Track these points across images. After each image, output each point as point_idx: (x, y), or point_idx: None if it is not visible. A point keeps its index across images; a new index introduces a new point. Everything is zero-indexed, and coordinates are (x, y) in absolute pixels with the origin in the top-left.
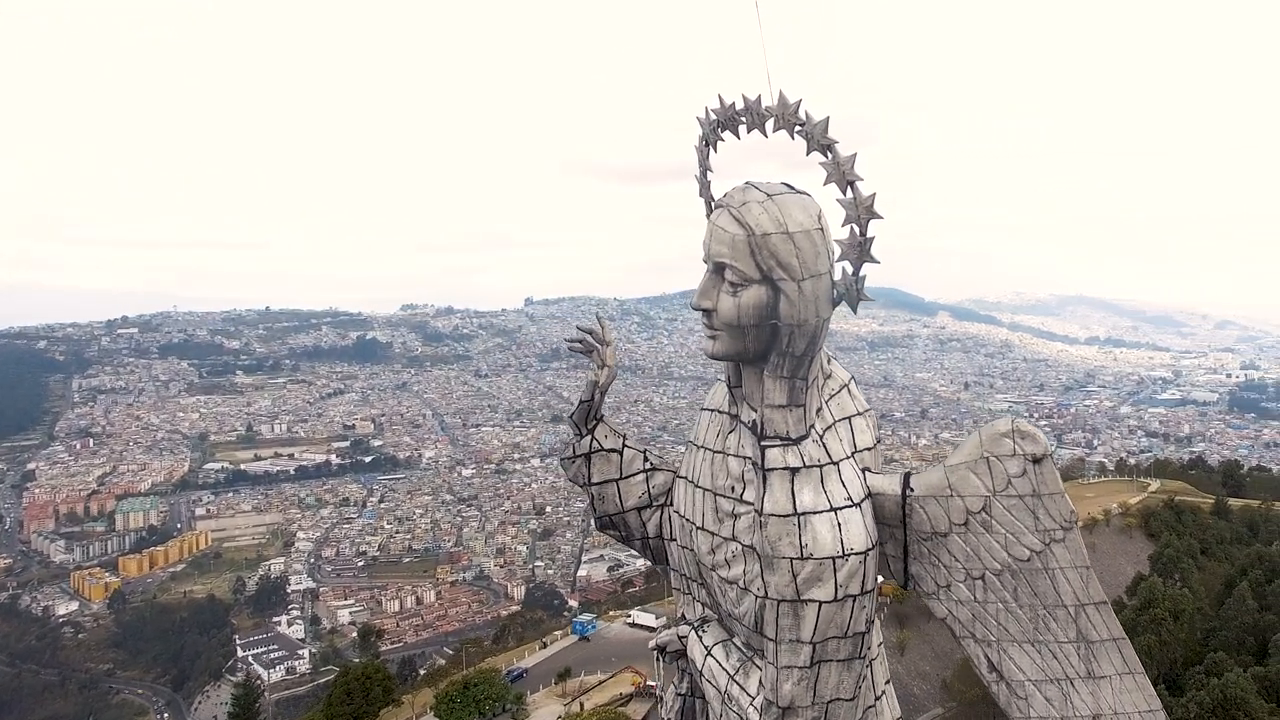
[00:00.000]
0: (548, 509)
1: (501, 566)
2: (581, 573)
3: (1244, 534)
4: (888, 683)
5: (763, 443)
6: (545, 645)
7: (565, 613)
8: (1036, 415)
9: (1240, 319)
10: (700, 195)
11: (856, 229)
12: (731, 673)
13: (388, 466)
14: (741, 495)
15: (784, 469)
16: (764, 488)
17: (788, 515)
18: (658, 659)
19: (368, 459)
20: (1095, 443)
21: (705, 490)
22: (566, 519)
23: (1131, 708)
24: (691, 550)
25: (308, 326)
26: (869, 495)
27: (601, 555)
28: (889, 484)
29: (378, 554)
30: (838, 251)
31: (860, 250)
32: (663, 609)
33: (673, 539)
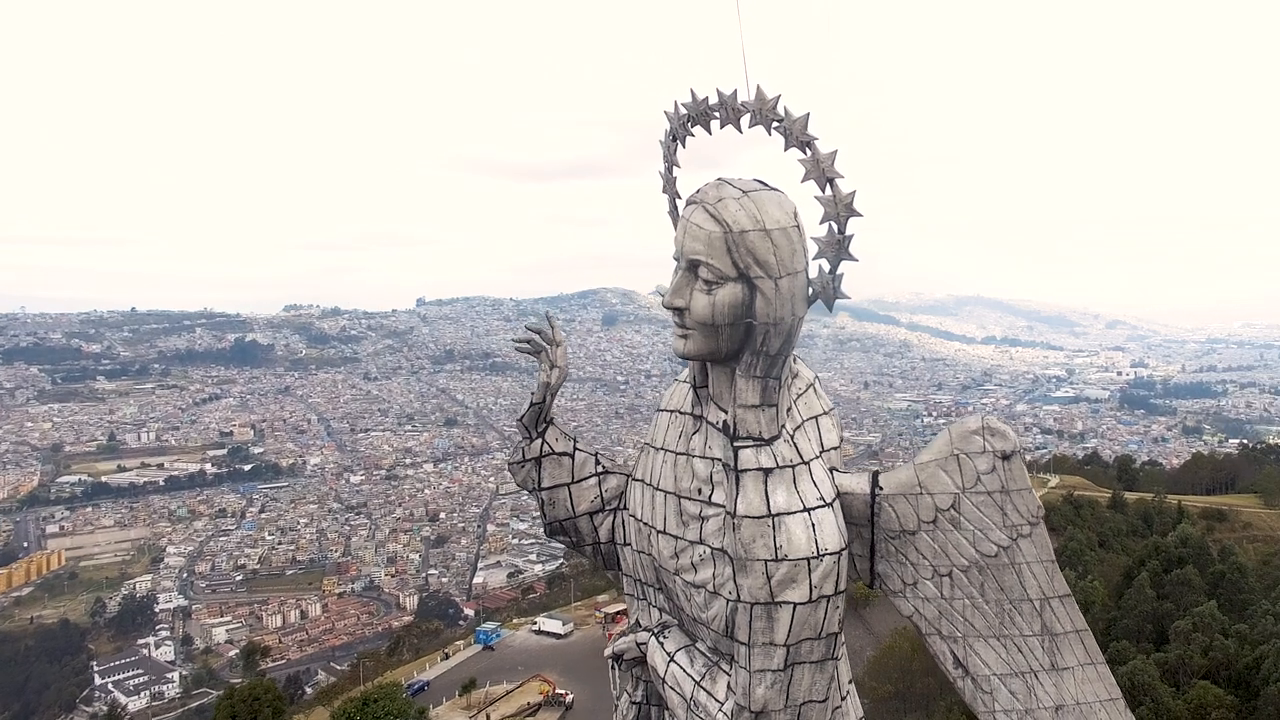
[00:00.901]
0: (441, 515)
1: (393, 576)
2: (478, 580)
3: (1139, 526)
4: (851, 682)
5: (735, 443)
6: (447, 656)
7: (461, 622)
8: (935, 414)
9: (1130, 319)
10: (664, 191)
11: (835, 226)
12: (697, 678)
13: (269, 475)
14: (710, 497)
15: (757, 470)
16: (737, 489)
17: (762, 517)
18: (612, 667)
19: (247, 467)
20: None
21: (667, 493)
22: (461, 525)
23: (1093, 697)
24: (649, 555)
25: (180, 329)
26: (838, 495)
27: (499, 562)
28: (857, 483)
29: (258, 567)
30: (814, 249)
31: (839, 248)
32: (569, 615)
33: (626, 544)
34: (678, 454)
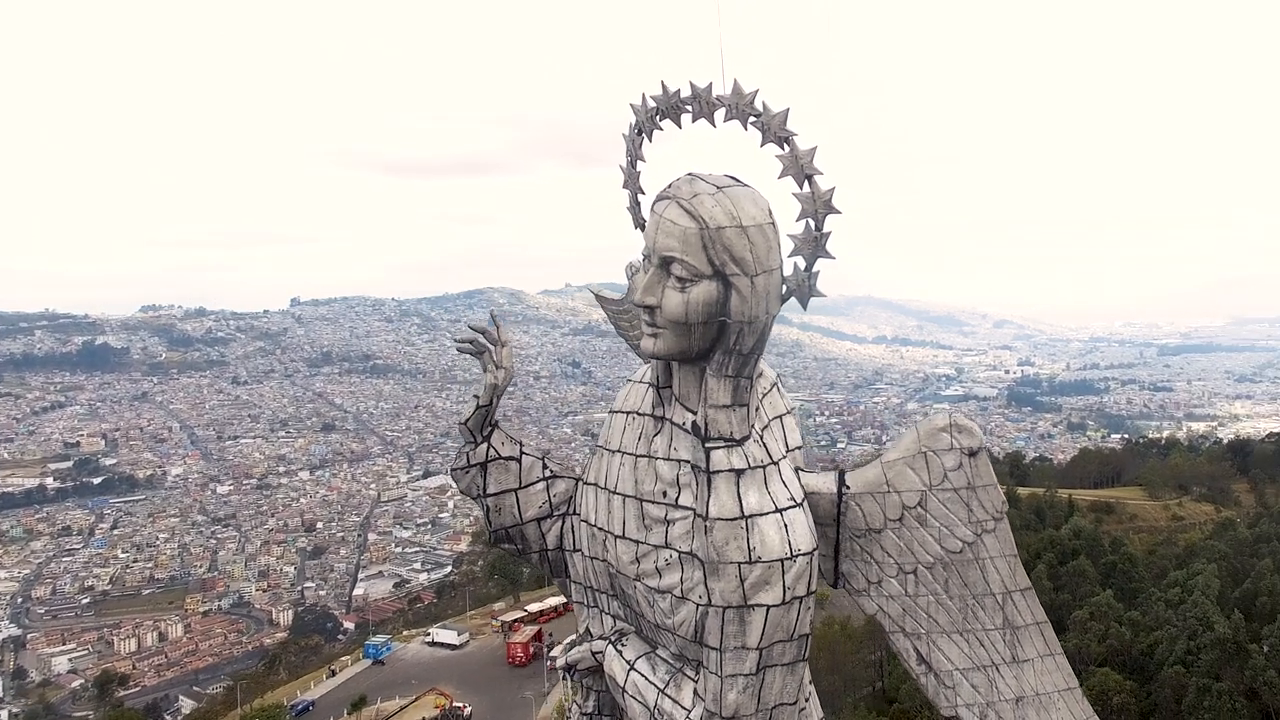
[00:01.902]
0: (319, 525)
1: (265, 591)
2: (359, 591)
3: (1033, 520)
4: (810, 683)
5: (707, 444)
6: (334, 673)
7: (340, 636)
8: (827, 412)
9: (1016, 318)
10: (625, 186)
11: (812, 223)
12: (661, 686)
13: (123, 488)
14: (677, 500)
15: (729, 471)
16: (709, 491)
17: (735, 519)
18: (564, 677)
19: (96, 480)
20: (884, 438)
21: (626, 497)
22: (340, 535)
23: (1051, 687)
24: (604, 561)
25: (16, 331)
26: (805, 495)
27: (381, 572)
28: (823, 482)
29: (109, 588)
30: (789, 246)
31: (816, 245)
32: (465, 625)
33: (576, 550)
34: (638, 456)
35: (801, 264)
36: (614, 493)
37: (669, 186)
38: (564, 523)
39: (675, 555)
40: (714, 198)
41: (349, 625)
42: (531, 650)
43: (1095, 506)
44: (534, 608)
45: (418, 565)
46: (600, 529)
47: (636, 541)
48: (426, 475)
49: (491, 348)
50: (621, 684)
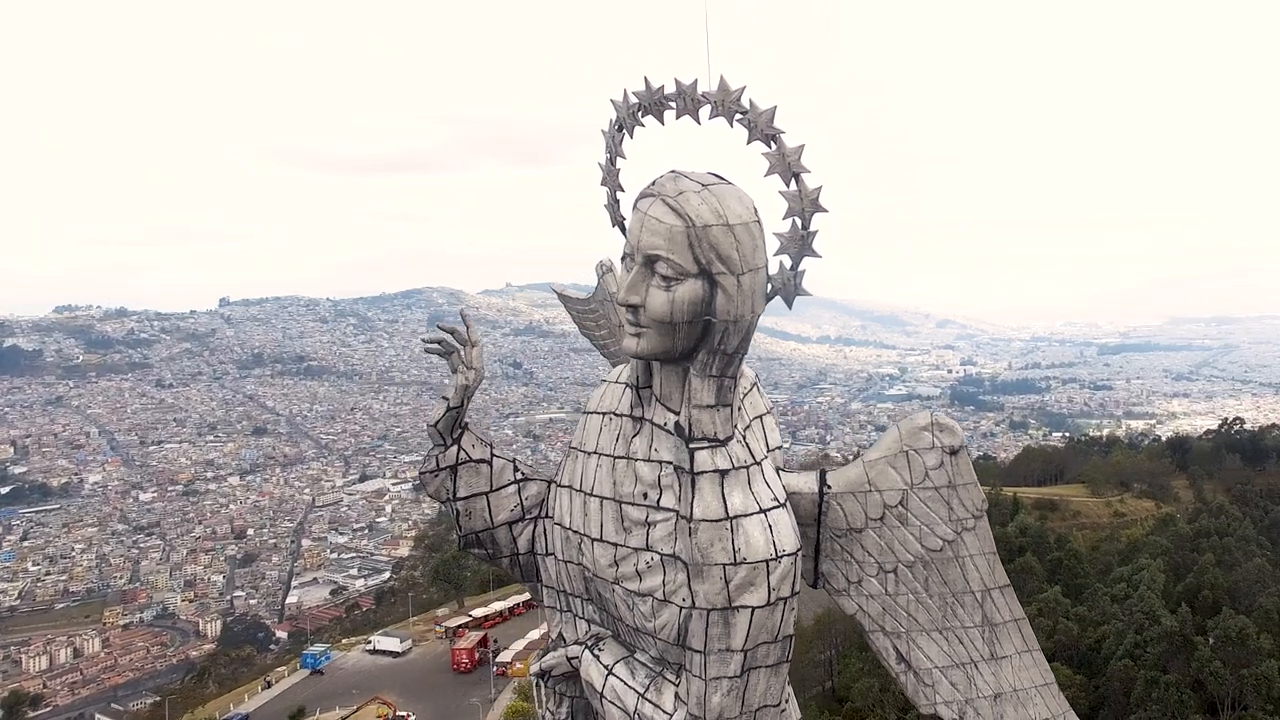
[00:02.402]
0: (249, 532)
1: (191, 601)
2: (292, 599)
3: None
4: (788, 684)
5: (691, 445)
6: (270, 684)
7: (273, 646)
8: (776, 412)
9: (959, 318)
10: (603, 184)
11: (799, 222)
12: (641, 690)
13: (34, 497)
14: (659, 502)
15: (714, 471)
16: (693, 493)
17: (720, 520)
18: (537, 684)
19: (4, 489)
20: (829, 438)
21: (604, 499)
22: (272, 541)
23: (1029, 683)
24: (579, 565)
25: None
26: (787, 495)
27: (316, 579)
28: (804, 482)
29: (18, 603)
30: (775, 245)
31: (802, 244)
32: (407, 631)
33: (549, 554)
34: (616, 458)
35: (787, 262)
36: (590, 495)
37: (652, 184)
38: (536, 526)
39: (657, 558)
40: (700, 195)
41: (282, 634)
42: (477, 656)
43: (1040, 504)
44: (479, 613)
45: (354, 571)
46: (576, 532)
47: (615, 544)
48: (363, 479)
49: (461, 348)
50: (599, 689)
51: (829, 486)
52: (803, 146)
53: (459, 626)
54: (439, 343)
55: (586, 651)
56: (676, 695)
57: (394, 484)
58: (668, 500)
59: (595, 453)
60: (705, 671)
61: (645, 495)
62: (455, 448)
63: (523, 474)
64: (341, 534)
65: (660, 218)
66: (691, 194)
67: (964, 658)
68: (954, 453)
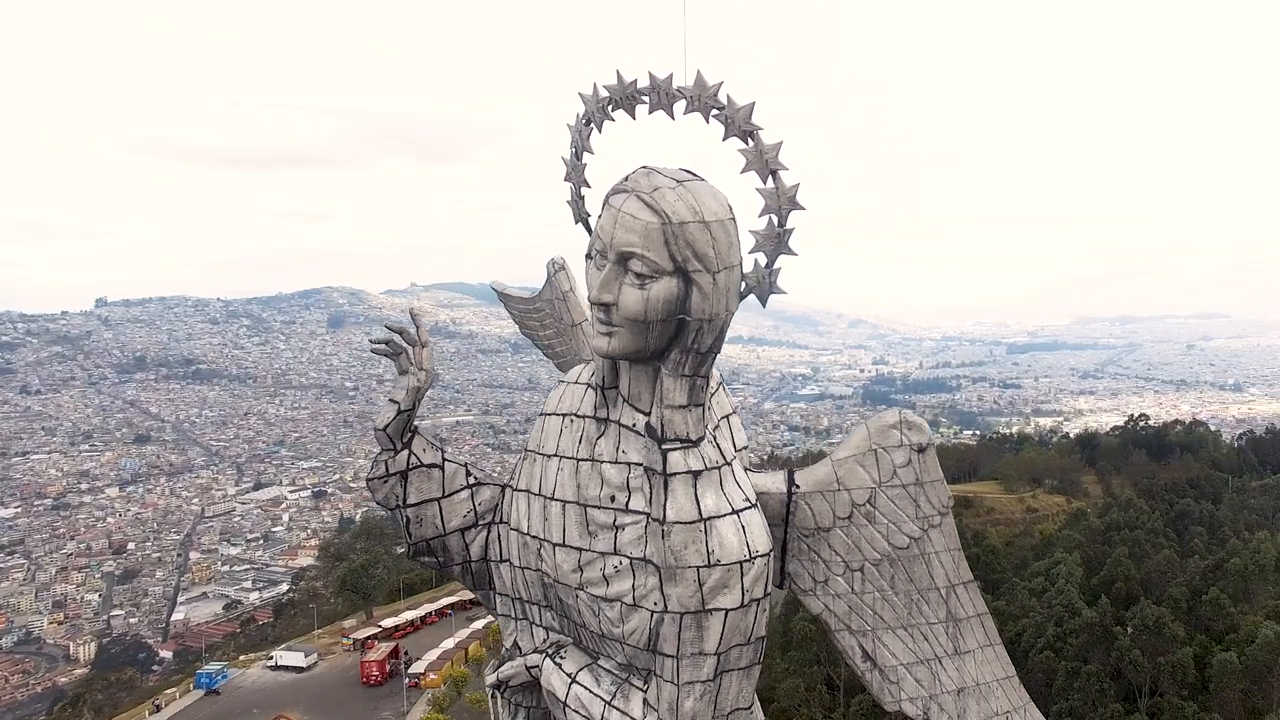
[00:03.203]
0: (130, 546)
1: (60, 623)
2: (178, 616)
3: None
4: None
5: (664, 446)
6: (159, 708)
7: (156, 667)
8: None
9: (871, 318)
10: (566, 179)
11: (775, 220)
12: (607, 698)
13: None
14: (627, 505)
15: (687, 473)
16: (665, 494)
17: (694, 522)
18: (493, 696)
19: None
20: None
21: (567, 503)
22: (156, 555)
23: (991, 676)
24: (538, 571)
25: None
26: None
27: (206, 594)
28: (773, 482)
29: None
30: (748, 242)
31: (778, 242)
32: (312, 645)
33: (504, 560)
34: (579, 460)
35: (762, 260)
36: (551, 499)
37: (625, 179)
38: (489, 532)
39: (625, 562)
40: (675, 192)
41: (166, 654)
42: (388, 668)
43: (954, 501)
44: (389, 623)
45: (248, 584)
46: (534, 537)
47: (579, 549)
48: (258, 487)
49: (410, 348)
50: (563, 699)
51: (797, 486)
52: (780, 143)
53: (368, 638)
54: (386, 343)
55: (547, 660)
56: (645, 701)
57: (292, 491)
58: (637, 503)
59: (556, 455)
60: (678, 676)
61: (613, 498)
62: (406, 452)
63: (476, 478)
64: (234, 545)
65: (635, 214)
66: (667, 190)
67: (928, 654)
68: (921, 450)
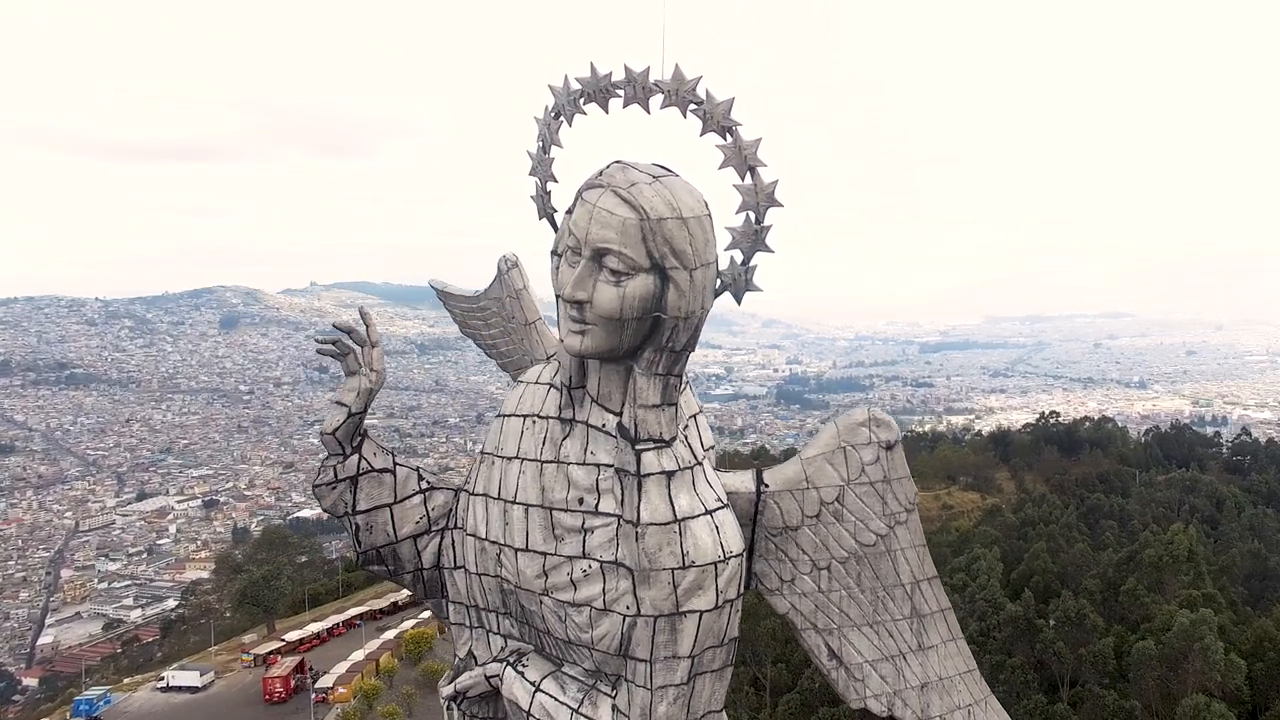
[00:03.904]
0: None
1: None
2: (46, 639)
3: None
4: None
5: (638, 446)
6: None
7: (18, 695)
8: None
9: (785, 318)
10: (532, 174)
11: (753, 216)
12: (574, 706)
13: None
14: (596, 507)
15: (660, 473)
16: (639, 496)
17: (668, 523)
18: (448, 708)
19: None
20: None
21: (531, 506)
22: (21, 574)
23: (954, 670)
24: (496, 577)
25: None
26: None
27: (80, 613)
28: (741, 481)
29: None
30: (725, 239)
31: (755, 239)
32: (208, 663)
33: (459, 567)
34: (544, 463)
35: (739, 258)
36: (513, 503)
37: (599, 175)
38: (443, 538)
39: (595, 565)
40: (652, 187)
41: (30, 682)
42: (293, 684)
43: None
44: (293, 636)
45: (129, 601)
46: (494, 542)
47: (543, 553)
48: (141, 498)
49: (358, 349)
50: (526, 708)
51: (766, 485)
52: (760, 139)
53: (270, 653)
54: (334, 343)
55: (508, 668)
56: (615, 708)
57: (179, 501)
58: (607, 505)
59: (517, 458)
60: (651, 681)
61: (581, 500)
62: (356, 456)
63: (428, 483)
64: (113, 560)
65: (612, 210)
66: (644, 185)
67: (893, 650)
68: (890, 447)
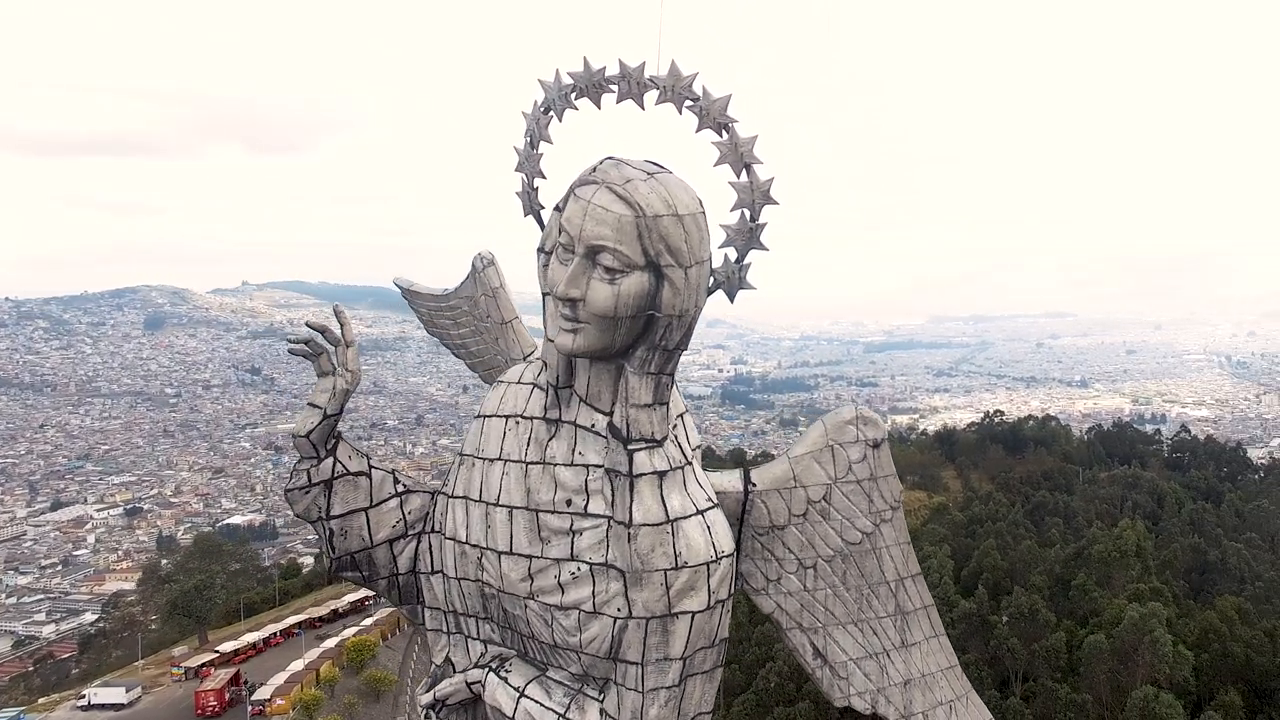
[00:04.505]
0: None
1: None
2: None
3: None
4: None
5: (630, 446)
6: None
7: None
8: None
9: (729, 318)
10: (518, 169)
11: (748, 214)
12: (561, 711)
13: None
14: (586, 508)
15: (653, 474)
16: (631, 496)
17: (661, 524)
18: (426, 717)
19: None
20: None
21: (515, 509)
22: None
23: (935, 667)
24: (477, 581)
25: None
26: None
27: None
28: (729, 481)
29: None
30: (719, 237)
31: (750, 237)
32: (134, 678)
33: (436, 571)
34: (528, 464)
35: (733, 255)
36: (496, 505)
37: (593, 171)
38: (419, 543)
39: (585, 568)
40: (647, 184)
41: None
42: (228, 697)
43: None
44: (227, 647)
45: (41, 616)
46: (475, 546)
47: (529, 556)
48: (56, 507)
49: (332, 348)
50: (510, 715)
51: (754, 485)
52: (756, 136)
53: (203, 665)
54: (306, 343)
55: (490, 674)
56: (603, 711)
57: (99, 510)
58: (596, 506)
59: (500, 459)
60: (642, 683)
61: (568, 502)
62: (331, 460)
63: (405, 486)
64: (24, 573)
65: (608, 206)
66: (639, 182)
67: (877, 648)
68: (876, 446)
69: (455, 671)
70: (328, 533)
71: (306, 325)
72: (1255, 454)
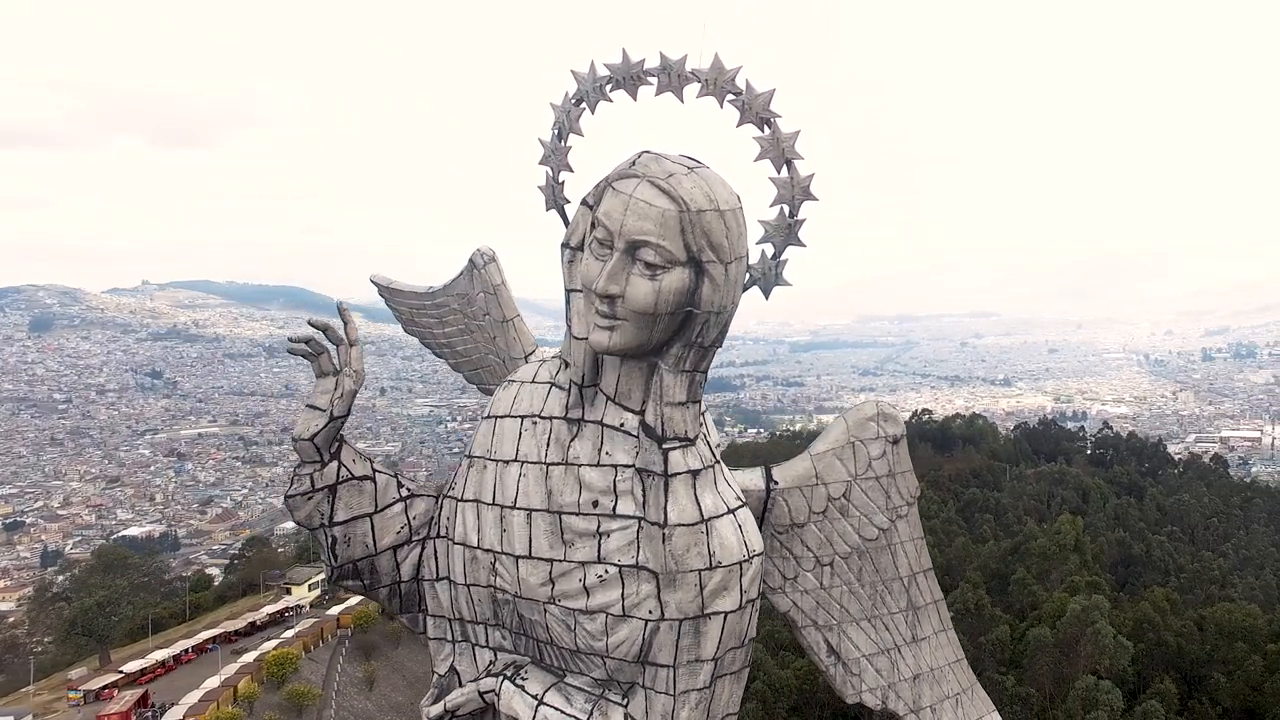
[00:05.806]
0: None
1: None
2: None
3: None
4: None
5: (664, 445)
6: None
7: None
8: (460, 418)
9: None
10: (543, 162)
11: (787, 210)
12: (583, 717)
13: None
14: (614, 509)
15: (687, 473)
16: (666, 496)
17: (695, 523)
18: None
19: None
20: None
21: (534, 511)
22: None
23: (944, 661)
24: (488, 587)
25: None
26: None
27: None
28: (751, 479)
29: None
30: (757, 232)
31: (789, 233)
32: (24, 706)
33: (443, 578)
34: (549, 465)
35: (769, 251)
36: (512, 508)
37: (631, 165)
38: (422, 549)
39: (614, 570)
40: (689, 178)
41: None
42: (134, 719)
43: None
44: (132, 667)
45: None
46: (488, 551)
47: (550, 560)
48: None
49: (333, 348)
50: None
51: (775, 483)
52: (798, 132)
53: (104, 687)
54: (307, 341)
55: (505, 682)
56: (628, 716)
57: None
58: (625, 507)
59: (517, 461)
60: (673, 686)
61: (595, 503)
62: (335, 464)
63: (409, 490)
64: None
65: (650, 201)
66: (681, 176)
67: (889, 643)
68: (896, 442)
69: (462, 681)
70: (330, 540)
71: (309, 323)
72: (1174, 449)
